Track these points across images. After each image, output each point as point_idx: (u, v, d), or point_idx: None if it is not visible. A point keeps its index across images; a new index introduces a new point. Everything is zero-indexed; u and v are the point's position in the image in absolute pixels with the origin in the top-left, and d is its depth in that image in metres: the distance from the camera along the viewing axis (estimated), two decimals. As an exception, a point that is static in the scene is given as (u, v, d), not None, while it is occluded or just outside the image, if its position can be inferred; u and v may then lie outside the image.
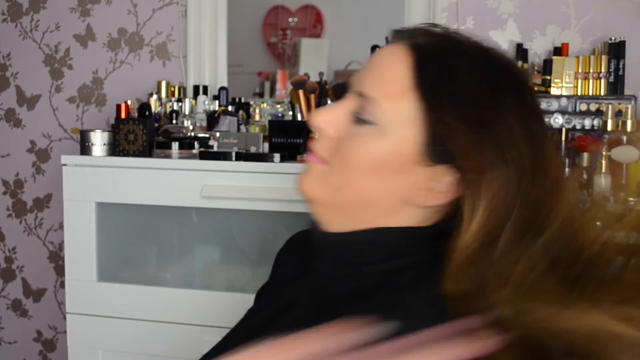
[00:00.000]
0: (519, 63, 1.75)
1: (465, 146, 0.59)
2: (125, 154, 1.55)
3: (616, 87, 1.64)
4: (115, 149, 1.55)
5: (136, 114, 1.67)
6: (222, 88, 1.78)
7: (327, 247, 0.67)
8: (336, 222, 0.65)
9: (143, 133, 1.54)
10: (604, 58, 1.63)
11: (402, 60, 0.61)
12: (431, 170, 0.61)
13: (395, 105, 0.60)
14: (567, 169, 1.52)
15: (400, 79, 0.61)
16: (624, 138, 1.49)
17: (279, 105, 1.83)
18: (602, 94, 1.64)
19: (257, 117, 1.73)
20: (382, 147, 0.61)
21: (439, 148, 0.60)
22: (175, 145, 1.57)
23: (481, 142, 0.59)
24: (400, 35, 0.64)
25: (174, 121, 1.69)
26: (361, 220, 0.64)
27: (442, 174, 0.60)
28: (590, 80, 1.65)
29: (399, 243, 0.63)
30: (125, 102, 1.63)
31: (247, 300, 0.83)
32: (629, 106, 1.51)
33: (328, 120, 0.64)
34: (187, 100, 1.77)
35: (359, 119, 0.62)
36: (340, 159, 0.63)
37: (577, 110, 1.65)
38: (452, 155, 0.59)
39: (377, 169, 0.61)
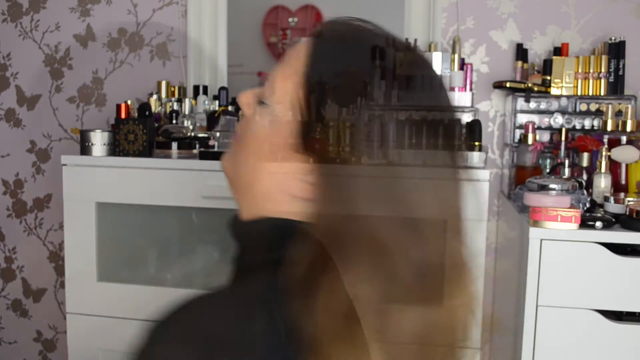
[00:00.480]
0: (519, 63, 1.75)
1: (318, 141, 0.58)
2: (125, 154, 1.55)
3: (616, 87, 1.64)
4: (115, 149, 1.55)
5: (136, 114, 1.67)
6: (222, 88, 1.78)
7: (231, 234, 0.68)
8: (240, 206, 0.66)
9: (143, 133, 1.54)
10: (604, 58, 1.63)
11: (304, 47, 0.62)
12: (303, 159, 0.60)
13: (283, 87, 0.61)
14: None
15: (294, 64, 0.61)
16: (624, 138, 1.49)
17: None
18: (602, 94, 1.64)
19: (257, 117, 1.73)
20: (267, 127, 0.61)
21: (305, 138, 0.59)
22: (175, 145, 1.57)
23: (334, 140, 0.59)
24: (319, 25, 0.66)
25: (174, 121, 1.69)
26: (253, 207, 0.63)
27: (310, 166, 0.59)
28: (590, 80, 1.65)
29: (277, 234, 0.61)
30: (125, 102, 1.63)
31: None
32: (629, 106, 1.51)
33: (245, 101, 0.65)
34: (187, 100, 1.77)
35: (260, 101, 0.63)
36: (242, 136, 0.64)
37: (577, 110, 1.65)
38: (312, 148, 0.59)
39: (261, 148, 0.61)
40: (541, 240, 1.24)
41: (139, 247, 1.65)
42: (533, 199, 1.27)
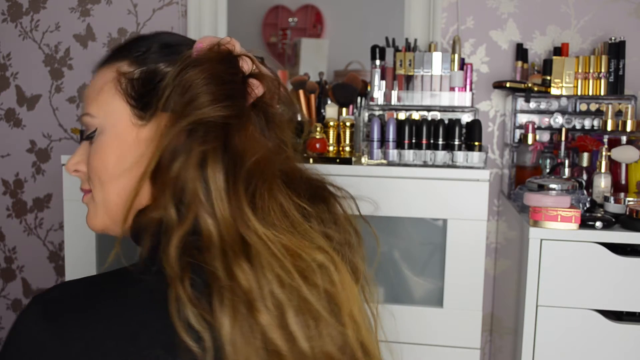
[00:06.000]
0: (519, 63, 1.75)
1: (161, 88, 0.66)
2: (125, 154, 1.54)
3: (616, 87, 1.64)
4: (115, 149, 1.55)
5: (136, 114, 1.67)
6: (222, 88, 1.78)
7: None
8: (124, 231, 0.71)
9: (143, 133, 1.54)
10: (604, 58, 1.63)
11: (99, 77, 0.70)
12: (154, 129, 0.66)
13: (98, 102, 0.69)
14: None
15: (97, 85, 0.70)
16: (624, 138, 1.49)
17: (279, 106, 1.83)
18: (602, 94, 1.64)
19: (257, 117, 1.73)
20: (107, 138, 0.68)
21: (140, 98, 0.67)
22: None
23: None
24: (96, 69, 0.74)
25: (174, 121, 1.68)
26: (134, 213, 0.68)
27: (162, 121, 0.66)
28: (590, 80, 1.65)
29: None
30: (125, 102, 1.62)
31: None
32: (629, 106, 1.51)
33: (75, 162, 0.72)
34: (187, 100, 1.77)
35: (88, 137, 0.70)
36: (92, 174, 0.69)
37: (577, 110, 1.65)
38: (155, 98, 0.67)
39: (117, 161, 0.67)
40: (541, 240, 1.24)
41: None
42: (533, 199, 1.27)
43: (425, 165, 1.43)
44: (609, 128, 1.50)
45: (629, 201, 1.32)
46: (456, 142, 1.43)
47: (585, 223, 1.25)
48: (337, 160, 1.47)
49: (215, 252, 0.58)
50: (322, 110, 1.65)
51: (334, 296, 0.63)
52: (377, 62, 1.60)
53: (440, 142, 1.44)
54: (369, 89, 1.62)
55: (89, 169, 0.69)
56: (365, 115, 1.56)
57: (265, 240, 0.60)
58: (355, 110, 1.63)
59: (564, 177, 1.48)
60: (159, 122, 0.66)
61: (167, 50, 0.70)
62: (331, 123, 1.49)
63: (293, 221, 0.64)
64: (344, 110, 1.61)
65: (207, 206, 0.59)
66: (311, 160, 1.45)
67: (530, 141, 1.57)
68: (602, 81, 1.64)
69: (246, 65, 0.69)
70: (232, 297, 0.56)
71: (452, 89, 1.57)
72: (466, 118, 1.54)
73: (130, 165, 0.67)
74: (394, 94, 1.58)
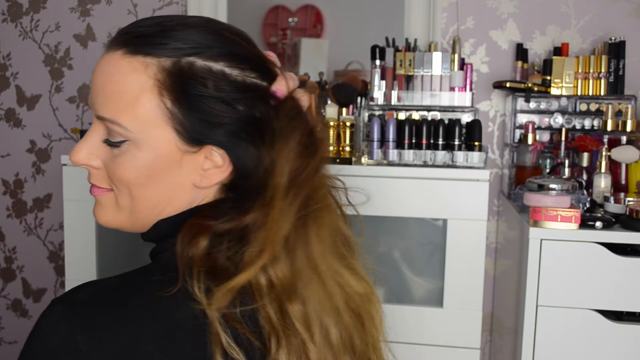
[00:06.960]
0: (519, 63, 1.75)
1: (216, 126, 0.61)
2: (125, 154, 1.54)
3: (616, 87, 1.64)
4: (115, 149, 1.55)
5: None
6: (222, 88, 1.78)
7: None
8: (142, 230, 0.70)
9: (143, 133, 1.54)
10: (604, 58, 1.63)
11: (122, 68, 0.61)
12: (200, 153, 0.63)
13: (134, 116, 0.60)
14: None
15: (128, 88, 0.60)
16: (624, 138, 1.49)
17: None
18: (602, 94, 1.64)
19: (257, 117, 1.73)
20: (145, 156, 0.62)
21: (193, 132, 0.61)
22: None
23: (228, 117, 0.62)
24: (111, 44, 0.63)
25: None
26: (157, 219, 0.67)
27: (210, 153, 0.63)
28: (590, 80, 1.65)
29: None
30: (125, 102, 1.62)
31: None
32: (629, 106, 1.51)
33: (85, 156, 0.65)
34: (187, 100, 1.77)
35: (111, 143, 0.63)
36: (118, 182, 0.64)
37: (577, 110, 1.65)
38: (208, 134, 0.61)
39: (152, 176, 0.63)
40: (541, 240, 1.24)
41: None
42: (533, 199, 1.27)
43: (425, 165, 1.43)
44: (609, 128, 1.50)
45: (629, 201, 1.32)
46: (456, 142, 1.43)
47: (585, 223, 1.25)
48: (337, 160, 1.47)
49: (265, 296, 0.59)
50: (322, 110, 1.65)
51: (366, 325, 0.68)
52: (377, 62, 1.60)
53: (440, 142, 1.44)
54: (369, 89, 1.62)
55: (115, 177, 0.64)
56: (365, 115, 1.56)
57: (324, 276, 0.61)
58: (355, 110, 1.63)
59: (564, 177, 1.48)
60: (208, 152, 0.63)
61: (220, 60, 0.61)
62: (331, 123, 1.49)
63: (341, 252, 0.66)
64: (344, 110, 1.61)
65: (263, 271, 0.59)
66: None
67: (530, 141, 1.57)
68: (602, 81, 1.64)
69: (305, 102, 0.66)
70: (287, 337, 0.58)
71: (452, 89, 1.57)
72: (466, 118, 1.54)
73: (170, 190, 0.64)
74: (394, 94, 1.58)
